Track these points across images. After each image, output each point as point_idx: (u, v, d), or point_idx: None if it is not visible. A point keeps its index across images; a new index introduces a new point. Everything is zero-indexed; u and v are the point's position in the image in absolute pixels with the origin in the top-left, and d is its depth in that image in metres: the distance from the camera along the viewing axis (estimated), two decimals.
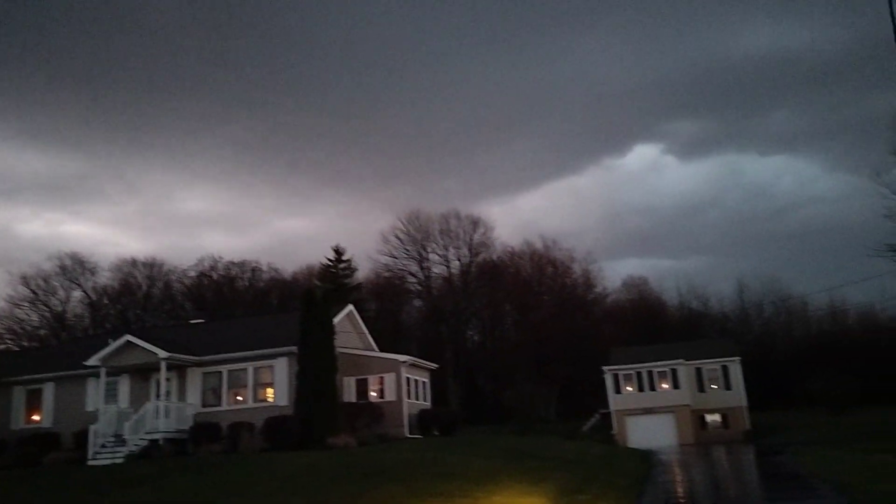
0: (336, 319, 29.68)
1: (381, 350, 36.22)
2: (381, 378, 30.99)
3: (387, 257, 72.60)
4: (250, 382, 29.32)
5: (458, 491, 16.37)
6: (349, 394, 30.75)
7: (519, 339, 73.85)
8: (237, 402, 29.49)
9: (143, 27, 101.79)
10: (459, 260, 74.34)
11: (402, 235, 72.18)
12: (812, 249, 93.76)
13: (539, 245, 79.02)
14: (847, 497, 14.56)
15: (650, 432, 45.57)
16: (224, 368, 29.51)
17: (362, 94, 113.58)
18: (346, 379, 30.58)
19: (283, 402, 28.19)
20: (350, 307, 33.86)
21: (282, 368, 28.68)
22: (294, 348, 27.29)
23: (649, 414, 46.79)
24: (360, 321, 34.53)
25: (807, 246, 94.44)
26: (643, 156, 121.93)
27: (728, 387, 47.66)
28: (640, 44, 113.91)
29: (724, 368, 48.01)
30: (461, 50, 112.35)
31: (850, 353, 65.55)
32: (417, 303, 77.89)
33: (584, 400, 59.08)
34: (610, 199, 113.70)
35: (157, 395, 29.07)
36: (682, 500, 17.43)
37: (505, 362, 68.09)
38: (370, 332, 35.52)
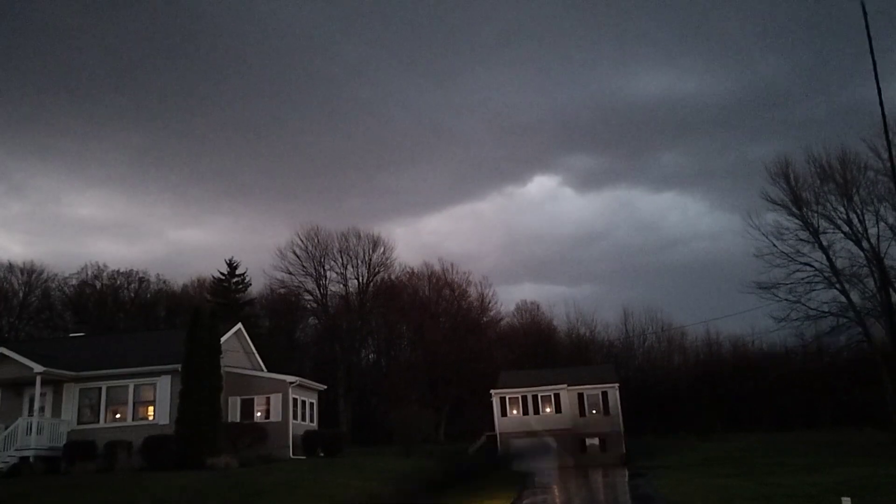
0: (224, 338, 29.60)
1: (273, 368, 36.17)
2: (268, 398, 31.03)
3: (283, 273, 71.74)
4: (130, 400, 28.74)
5: None
6: (234, 414, 30.60)
7: (413, 360, 74.59)
8: (116, 419, 28.82)
9: (39, 26, 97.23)
10: (357, 279, 74.46)
11: (299, 252, 71.56)
12: (693, 283, 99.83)
13: (438, 267, 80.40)
14: None
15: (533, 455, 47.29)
16: (103, 385, 28.79)
17: (267, 107, 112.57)
18: (231, 398, 30.45)
19: (165, 420, 27.80)
20: (239, 326, 33.74)
21: (165, 386, 28.29)
22: (178, 366, 27.04)
23: (532, 437, 48.52)
24: (249, 340, 34.43)
25: (688, 279, 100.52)
26: (542, 186, 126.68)
27: (607, 412, 50.07)
28: (543, 79, 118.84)
29: (604, 394, 50.42)
30: (370, 71, 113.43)
31: (722, 382, 70.22)
32: (313, 320, 77.34)
33: (474, 422, 60.39)
34: (509, 225, 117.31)
35: (31, 411, 27.99)
36: None
37: (398, 383, 68.63)
38: (263, 349, 35.48)
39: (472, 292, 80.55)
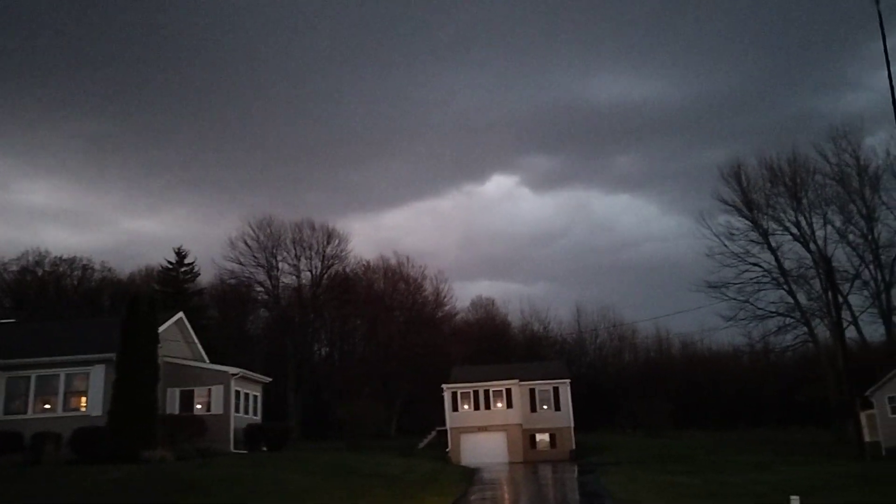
0: (163, 327, 28.41)
1: (223, 360, 35.03)
2: (209, 390, 29.93)
3: (233, 263, 69.98)
4: (62, 390, 27.41)
5: None
6: (173, 406, 29.44)
7: (366, 354, 73.70)
8: (45, 410, 27.45)
9: None
10: (311, 271, 73.15)
11: (250, 242, 69.81)
12: (645, 282, 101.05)
13: (394, 261, 79.54)
14: None
15: (483, 450, 46.89)
16: (32, 373, 27.39)
17: (227, 99, 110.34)
18: (170, 390, 29.29)
19: (97, 412, 26.54)
20: (180, 315, 32.46)
21: (98, 376, 27.04)
22: (113, 355, 25.78)
23: (483, 432, 48.16)
24: (191, 330, 33.16)
25: (641, 279, 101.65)
26: (501, 185, 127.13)
27: (558, 408, 49.97)
28: (503, 81, 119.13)
29: (556, 390, 50.32)
30: (332, 66, 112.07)
31: (671, 379, 71.05)
32: (264, 312, 75.76)
33: (426, 416, 59.86)
34: (468, 222, 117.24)
35: None
36: None
37: (351, 377, 67.69)
38: (212, 340, 34.28)
39: (428, 287, 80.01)
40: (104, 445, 24.66)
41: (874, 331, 50.70)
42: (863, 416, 40.76)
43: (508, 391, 49.12)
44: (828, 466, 28.24)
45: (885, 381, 39.02)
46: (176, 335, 31.41)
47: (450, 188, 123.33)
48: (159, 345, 26.23)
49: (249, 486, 19.07)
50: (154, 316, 26.63)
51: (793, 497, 12.94)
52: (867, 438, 39.86)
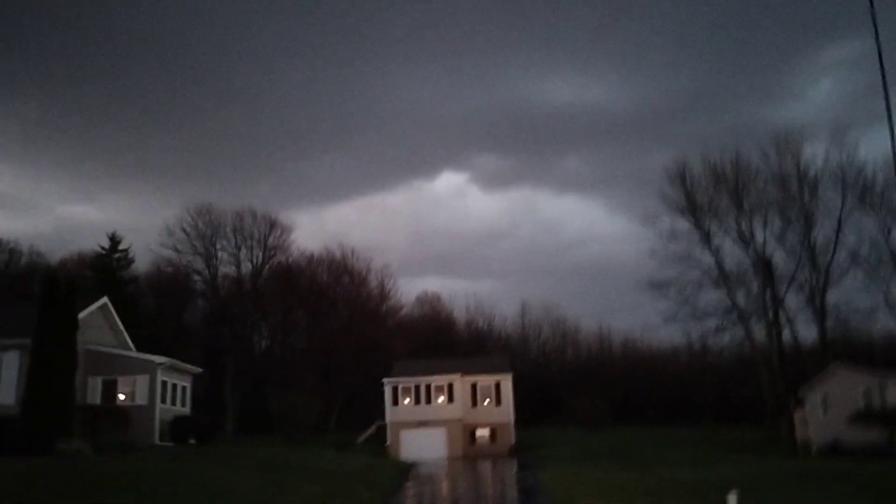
0: (85, 312, 26.90)
1: (155, 350, 33.37)
2: (134, 380, 28.49)
3: (170, 251, 67.58)
4: None
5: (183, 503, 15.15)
6: (94, 395, 27.94)
7: (308, 347, 72.26)
8: None
9: None
10: (252, 261, 71.28)
11: (189, 229, 67.41)
12: (589, 282, 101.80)
13: (338, 254, 78.17)
14: None
15: (422, 445, 46.18)
16: None
17: (171, 85, 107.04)
18: (91, 379, 27.79)
19: (10, 400, 24.97)
20: (104, 300, 30.80)
21: (12, 363, 25.44)
22: (28, 341, 24.20)
23: (423, 427, 47.49)
24: (116, 316, 31.53)
25: (585, 278, 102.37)
26: (450, 182, 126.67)
27: (499, 403, 49.70)
28: (454, 78, 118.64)
29: (497, 385, 50.00)
30: (278, 56, 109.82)
31: (612, 377, 71.79)
32: (202, 303, 73.54)
33: (368, 411, 58.92)
34: (416, 218, 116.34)
35: None
36: None
37: (292, 370, 66.24)
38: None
39: (373, 281, 78.97)
40: (17, 436, 23.10)
41: (808, 332, 51.93)
42: (796, 415, 41.62)
43: (450, 386, 48.60)
44: (763, 464, 28.49)
45: (817, 381, 39.80)
46: (99, 321, 29.80)
47: (399, 184, 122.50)
48: (79, 330, 24.72)
49: (169, 480, 17.94)
50: (74, 300, 25.11)
51: (731, 493, 12.63)
52: (800, 437, 40.69)
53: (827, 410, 38.53)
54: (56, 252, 70.38)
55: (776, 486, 20.16)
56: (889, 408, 33.18)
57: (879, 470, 23.22)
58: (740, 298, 51.41)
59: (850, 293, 49.28)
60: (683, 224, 53.15)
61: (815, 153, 50.97)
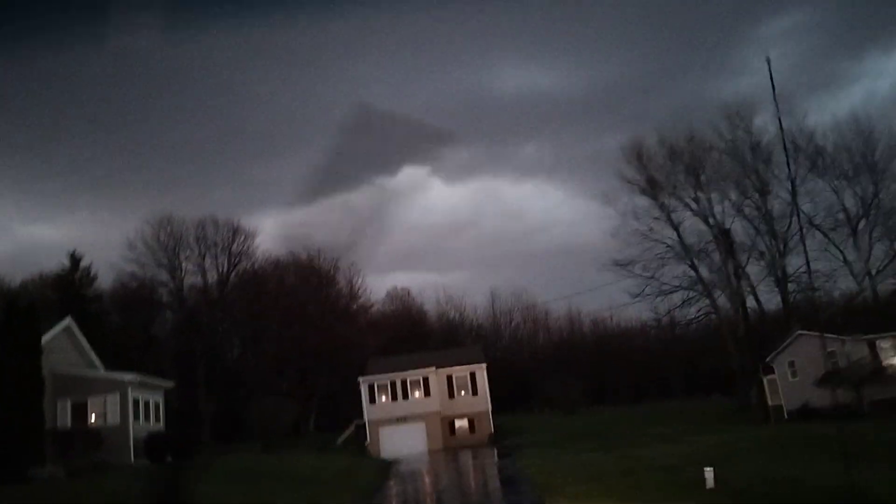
0: (48, 336, 26.31)
1: (125, 366, 32.83)
2: (104, 399, 27.97)
3: (134, 265, 66.46)
4: None
5: None
6: (64, 419, 27.35)
7: (281, 351, 71.69)
8: None
9: None
10: (217, 269, 70.45)
11: (150, 242, 66.38)
12: (556, 265, 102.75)
13: (304, 256, 77.53)
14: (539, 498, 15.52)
15: (402, 441, 46.26)
16: None
17: (122, 98, 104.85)
18: (60, 402, 27.21)
19: None
20: (68, 321, 30.12)
21: None
22: None
23: (402, 423, 47.52)
24: (81, 337, 30.86)
25: (551, 263, 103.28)
26: (412, 176, 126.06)
27: (475, 392, 49.96)
28: (409, 71, 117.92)
29: (472, 375, 50.25)
30: (230, 59, 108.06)
31: (584, 358, 72.61)
32: (170, 315, 72.43)
33: (345, 411, 58.74)
34: (381, 215, 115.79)
35: None
36: None
37: (265, 375, 65.66)
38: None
39: (341, 280, 78.55)
40: None
41: (771, 300, 53.08)
42: (765, 382, 42.57)
43: (426, 380, 48.70)
44: (735, 433, 29.09)
45: (784, 347, 40.66)
46: (65, 344, 29.17)
47: (361, 182, 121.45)
48: (43, 354, 24.20)
49: (140, 501, 17.68)
50: (35, 324, 24.54)
51: (706, 469, 12.89)
52: (770, 403, 41.63)
53: (795, 374, 39.46)
54: (17, 274, 68.64)
55: (751, 454, 20.59)
56: (854, 368, 34.09)
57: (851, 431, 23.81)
58: (704, 271, 52.41)
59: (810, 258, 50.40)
60: (643, 202, 53.90)
61: (766, 124, 51.93)
